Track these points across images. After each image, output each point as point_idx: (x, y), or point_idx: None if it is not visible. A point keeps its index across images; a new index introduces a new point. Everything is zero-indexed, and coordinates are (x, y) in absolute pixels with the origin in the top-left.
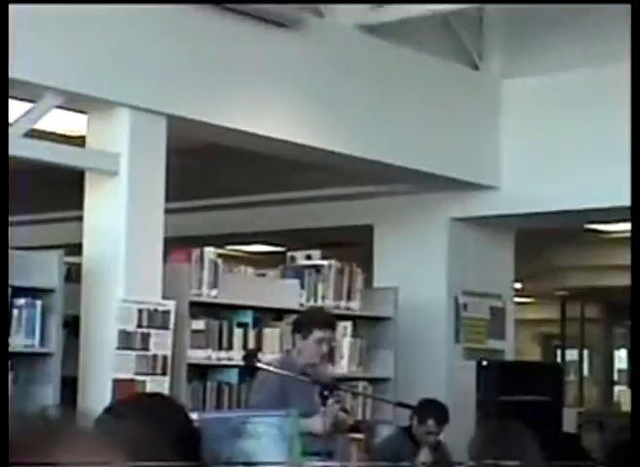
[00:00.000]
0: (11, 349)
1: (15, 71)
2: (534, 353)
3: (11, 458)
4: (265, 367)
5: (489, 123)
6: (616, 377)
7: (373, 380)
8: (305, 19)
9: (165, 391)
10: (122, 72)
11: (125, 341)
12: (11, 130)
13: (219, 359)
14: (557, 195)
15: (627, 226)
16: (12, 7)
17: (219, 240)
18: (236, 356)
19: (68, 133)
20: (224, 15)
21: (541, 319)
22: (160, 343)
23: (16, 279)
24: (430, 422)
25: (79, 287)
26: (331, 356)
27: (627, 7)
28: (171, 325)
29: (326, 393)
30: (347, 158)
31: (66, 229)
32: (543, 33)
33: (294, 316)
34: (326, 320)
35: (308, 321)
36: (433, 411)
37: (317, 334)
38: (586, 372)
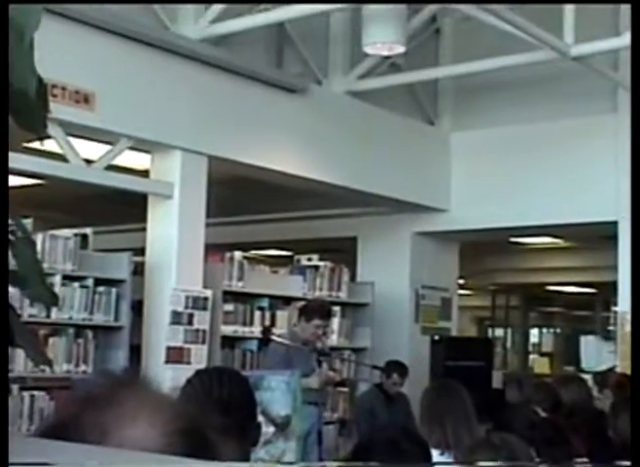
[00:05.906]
0: (93, 323)
1: (97, 121)
2: (472, 331)
3: (91, 409)
4: (277, 339)
5: (442, 165)
6: (530, 348)
7: (355, 350)
8: (309, 87)
9: (204, 357)
10: (176, 123)
11: (176, 318)
12: (94, 165)
13: (243, 333)
14: (491, 216)
15: (541, 239)
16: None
17: (245, 246)
18: (256, 331)
19: (136, 167)
20: (251, 83)
21: (477, 306)
22: (201, 321)
23: (97, 272)
24: (394, 376)
25: (143, 279)
26: (325, 334)
27: (559, 73)
28: (209, 307)
29: (321, 359)
30: (338, 187)
31: (134, 237)
32: (485, 97)
33: (299, 302)
34: (325, 312)
35: (312, 310)
36: (396, 367)
37: (316, 321)
38: (509, 344)
